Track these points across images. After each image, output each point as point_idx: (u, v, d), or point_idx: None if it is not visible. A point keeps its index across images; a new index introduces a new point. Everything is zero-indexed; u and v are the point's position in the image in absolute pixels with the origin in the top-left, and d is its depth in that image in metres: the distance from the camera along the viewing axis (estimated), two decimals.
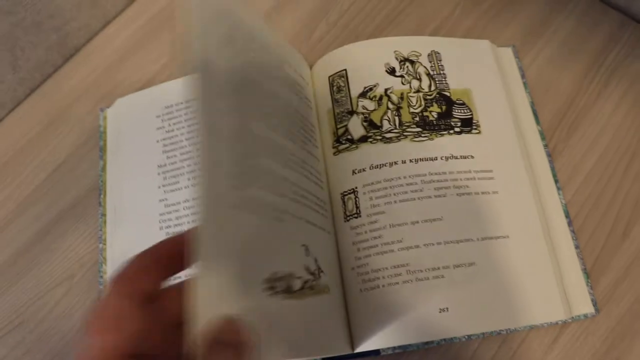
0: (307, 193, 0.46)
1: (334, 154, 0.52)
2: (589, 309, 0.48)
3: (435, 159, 0.50)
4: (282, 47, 0.52)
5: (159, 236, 0.50)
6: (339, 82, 0.54)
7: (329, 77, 0.55)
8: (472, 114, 0.52)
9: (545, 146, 0.54)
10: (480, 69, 0.55)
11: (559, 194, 0.52)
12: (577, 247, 0.50)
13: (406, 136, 0.51)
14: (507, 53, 0.58)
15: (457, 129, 0.51)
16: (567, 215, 0.51)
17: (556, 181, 0.53)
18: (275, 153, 0.42)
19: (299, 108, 0.50)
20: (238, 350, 0.28)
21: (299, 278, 0.40)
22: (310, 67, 0.57)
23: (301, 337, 0.41)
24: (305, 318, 0.41)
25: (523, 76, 0.57)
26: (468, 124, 0.52)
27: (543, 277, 0.47)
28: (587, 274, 0.49)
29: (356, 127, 0.52)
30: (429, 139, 0.51)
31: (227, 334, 0.28)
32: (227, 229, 0.34)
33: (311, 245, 0.44)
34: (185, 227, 0.50)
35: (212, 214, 0.32)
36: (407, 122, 0.51)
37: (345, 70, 0.54)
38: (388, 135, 0.51)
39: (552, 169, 0.53)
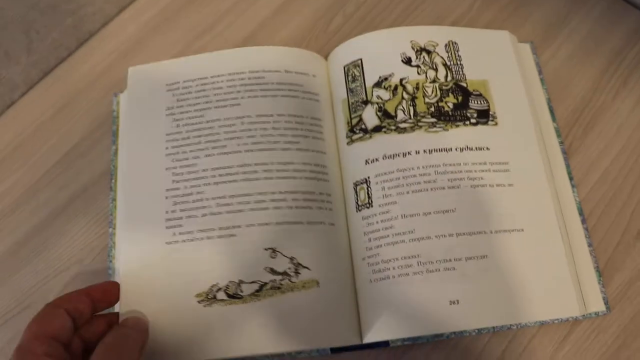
0: (289, 194, 0.49)
1: (348, 143, 0.52)
2: (600, 307, 0.47)
3: (450, 150, 0.49)
4: (266, 57, 0.55)
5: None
6: (354, 72, 0.54)
7: (344, 66, 0.54)
8: (488, 105, 0.52)
9: (561, 143, 0.54)
10: (498, 60, 0.55)
11: (573, 192, 0.51)
12: (590, 245, 0.50)
13: (421, 126, 0.50)
14: (525, 49, 0.58)
15: (473, 120, 0.51)
16: (580, 213, 0.51)
17: (571, 178, 0.52)
18: (230, 174, 0.50)
19: (292, 109, 0.53)
20: (135, 329, 0.43)
21: (254, 283, 0.47)
22: (326, 57, 0.57)
23: (282, 331, 0.45)
24: (278, 314, 0.46)
25: (540, 72, 0.57)
26: (484, 115, 0.51)
27: (557, 273, 0.47)
28: (599, 272, 0.49)
29: (370, 116, 0.51)
30: (444, 129, 0.50)
31: (130, 320, 0.44)
32: (160, 263, 0.48)
33: (286, 245, 0.48)
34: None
35: (143, 255, 0.48)
36: (422, 113, 0.51)
37: (361, 59, 0.54)
38: (402, 125, 0.50)
39: (567, 166, 0.53)
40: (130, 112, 0.55)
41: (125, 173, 0.53)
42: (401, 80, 0.52)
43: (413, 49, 0.53)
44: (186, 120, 0.53)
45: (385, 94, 0.52)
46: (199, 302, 0.47)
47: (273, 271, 0.47)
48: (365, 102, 0.52)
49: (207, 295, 0.47)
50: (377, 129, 0.51)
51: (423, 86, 0.52)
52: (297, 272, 0.47)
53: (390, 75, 0.52)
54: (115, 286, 0.46)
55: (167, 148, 0.52)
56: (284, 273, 0.47)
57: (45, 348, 0.37)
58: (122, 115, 0.58)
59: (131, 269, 0.48)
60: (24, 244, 0.55)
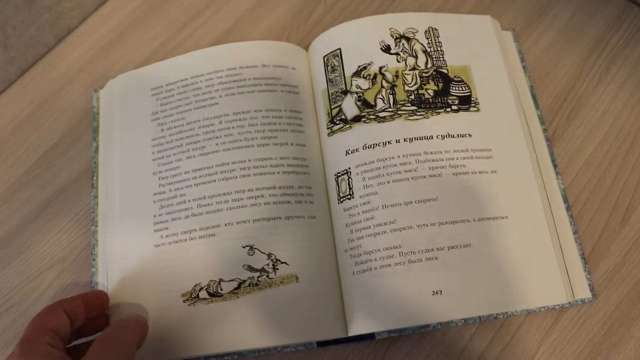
0: (266, 190, 0.49)
1: (329, 134, 0.51)
2: (586, 294, 0.47)
3: (431, 137, 0.49)
4: (244, 53, 0.55)
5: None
6: (333, 62, 0.53)
7: (324, 56, 0.54)
8: (470, 91, 0.51)
9: (545, 131, 0.53)
10: (480, 45, 0.54)
11: (557, 179, 0.51)
12: (575, 232, 0.49)
13: (400, 115, 0.50)
14: (507, 36, 0.57)
15: (454, 107, 0.50)
16: (565, 200, 0.50)
17: (555, 166, 0.52)
18: (209, 175, 0.51)
19: (270, 104, 0.53)
20: (134, 323, 0.44)
21: (233, 281, 0.47)
22: (307, 49, 0.57)
23: (264, 326, 0.46)
24: (256, 311, 0.46)
25: (523, 60, 0.56)
26: (466, 102, 0.51)
27: (543, 260, 0.46)
28: (584, 259, 0.48)
29: (350, 106, 0.51)
30: (425, 117, 0.50)
31: (129, 316, 0.45)
32: (148, 266, 0.49)
33: (264, 242, 0.48)
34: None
35: (133, 258, 0.50)
36: (401, 101, 0.50)
37: (340, 49, 0.53)
38: (382, 114, 0.50)
39: (551, 153, 0.52)
40: (118, 119, 0.56)
41: (115, 178, 0.53)
42: (380, 68, 0.52)
43: (392, 36, 0.53)
44: (169, 124, 0.53)
45: (364, 83, 0.51)
46: (184, 301, 0.48)
47: (251, 268, 0.48)
48: (345, 92, 0.52)
49: (191, 294, 0.48)
50: (357, 119, 0.50)
51: (402, 74, 0.51)
52: (275, 268, 0.47)
53: (369, 64, 0.52)
54: (106, 294, 0.48)
55: (153, 153, 0.53)
56: (262, 269, 0.47)
57: (48, 339, 0.39)
58: (105, 120, 0.57)
59: (121, 271, 0.49)
60: (5, 243, 0.54)
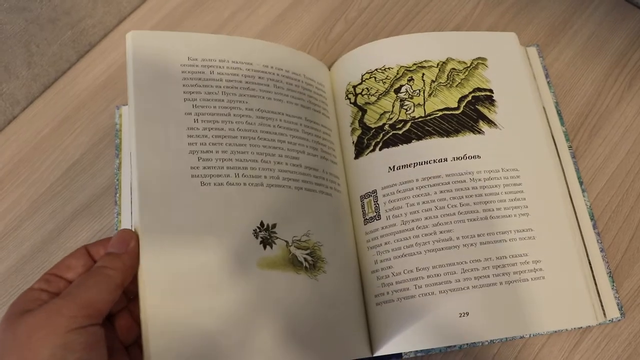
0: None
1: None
2: (614, 313, 0.47)
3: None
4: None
5: None
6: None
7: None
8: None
9: (570, 147, 0.53)
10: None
11: (584, 196, 0.51)
12: (602, 250, 0.49)
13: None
14: (532, 52, 0.57)
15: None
16: (592, 218, 0.50)
17: (581, 183, 0.52)
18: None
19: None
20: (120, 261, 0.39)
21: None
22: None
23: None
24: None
25: (547, 76, 0.56)
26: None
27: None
28: (612, 278, 0.48)
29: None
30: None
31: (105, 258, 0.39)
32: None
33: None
34: None
35: None
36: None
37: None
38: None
39: (577, 170, 0.52)
40: None
41: None
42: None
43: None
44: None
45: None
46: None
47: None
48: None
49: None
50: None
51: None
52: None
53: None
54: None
55: None
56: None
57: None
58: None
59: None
60: (29, 260, 0.55)
